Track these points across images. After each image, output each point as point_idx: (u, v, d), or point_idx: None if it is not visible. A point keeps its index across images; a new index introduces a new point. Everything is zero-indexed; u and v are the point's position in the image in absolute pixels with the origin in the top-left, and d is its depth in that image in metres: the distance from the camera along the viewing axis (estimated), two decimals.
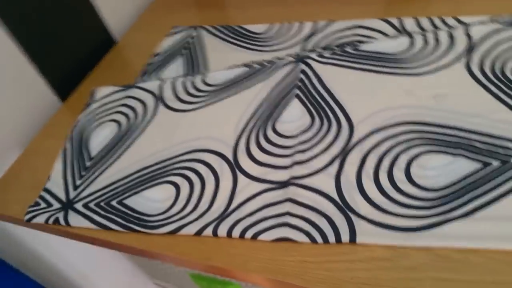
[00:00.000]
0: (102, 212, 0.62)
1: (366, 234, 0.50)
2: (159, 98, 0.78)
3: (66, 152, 0.73)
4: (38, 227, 0.66)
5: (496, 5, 0.74)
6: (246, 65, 0.79)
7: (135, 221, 0.60)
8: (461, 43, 0.70)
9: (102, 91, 0.83)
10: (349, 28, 0.80)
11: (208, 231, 0.56)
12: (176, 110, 0.75)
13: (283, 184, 0.58)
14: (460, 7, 0.77)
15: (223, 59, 0.82)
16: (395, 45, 0.73)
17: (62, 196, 0.67)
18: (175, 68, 0.85)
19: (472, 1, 0.77)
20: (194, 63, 0.84)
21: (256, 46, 0.84)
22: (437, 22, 0.75)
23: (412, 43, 0.72)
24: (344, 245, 0.51)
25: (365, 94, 0.66)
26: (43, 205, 0.66)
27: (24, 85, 0.81)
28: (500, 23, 0.70)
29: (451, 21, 0.74)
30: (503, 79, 0.63)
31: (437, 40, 0.71)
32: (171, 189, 0.62)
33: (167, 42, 0.92)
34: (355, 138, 0.61)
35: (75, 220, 0.63)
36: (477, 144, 0.56)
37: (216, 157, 0.65)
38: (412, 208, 0.51)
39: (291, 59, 0.76)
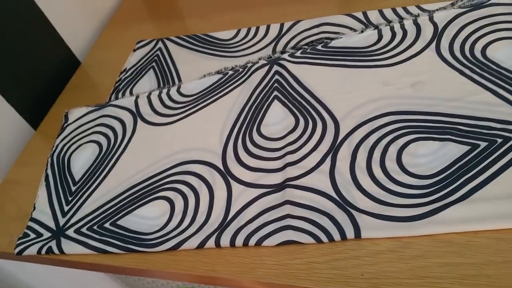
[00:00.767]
0: (97, 236, 0.61)
1: (370, 228, 0.51)
2: (136, 114, 0.76)
3: (48, 178, 0.71)
4: (29, 258, 0.64)
5: None
6: (219, 72, 0.78)
7: (133, 241, 0.59)
8: (428, 30, 0.71)
9: (76, 112, 0.81)
10: (316, 26, 0.81)
11: (211, 243, 0.55)
12: (156, 124, 0.74)
13: (278, 187, 0.58)
14: None
15: (194, 69, 0.82)
16: (364, 38, 0.74)
17: (51, 224, 0.65)
18: (147, 82, 0.83)
19: None
20: (166, 75, 0.83)
21: (226, 53, 0.83)
22: (401, 12, 0.76)
23: (380, 35, 0.73)
24: (349, 242, 0.51)
25: (343, 89, 0.67)
26: (32, 235, 0.64)
27: None
28: (461, 7, 0.72)
29: (414, 9, 0.76)
30: (474, 60, 0.64)
31: (404, 29, 0.73)
32: (165, 205, 0.62)
33: (134, 57, 0.91)
34: (342, 134, 0.61)
35: (69, 247, 0.61)
36: (462, 127, 0.57)
37: (206, 167, 0.64)
38: (410, 197, 0.52)
39: (264, 61, 0.76)
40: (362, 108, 0.63)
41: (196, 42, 0.88)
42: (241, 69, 0.76)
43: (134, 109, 0.77)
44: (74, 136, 0.77)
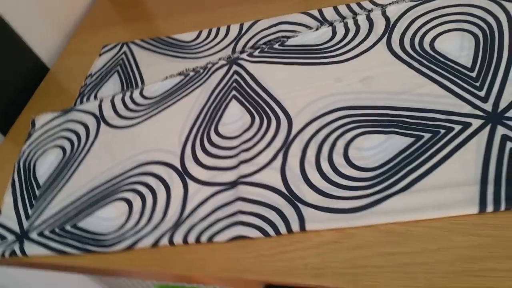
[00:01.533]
0: (57, 238, 0.63)
1: (314, 220, 0.53)
2: (100, 118, 0.78)
3: (15, 184, 0.73)
4: None
5: None
6: (181, 73, 0.80)
7: (91, 242, 0.60)
8: (380, 24, 0.72)
9: (42, 118, 0.83)
10: (274, 25, 0.82)
11: (164, 241, 0.57)
12: (118, 127, 0.75)
13: (232, 185, 0.60)
14: None
15: (157, 71, 0.83)
16: (319, 36, 0.75)
17: (15, 228, 0.67)
18: (112, 86, 0.85)
19: None
20: (130, 78, 0.84)
21: (188, 54, 0.85)
22: (355, 7, 0.78)
23: (334, 32, 0.75)
24: (295, 234, 0.53)
25: (297, 86, 0.68)
26: None
27: None
28: (412, 0, 0.73)
29: (368, 4, 0.77)
30: (422, 53, 0.65)
31: (357, 25, 0.74)
32: (123, 206, 0.63)
33: (100, 62, 0.92)
34: (294, 131, 0.63)
35: (31, 249, 0.63)
36: (408, 120, 0.58)
37: (164, 168, 0.66)
38: (354, 189, 0.54)
39: (223, 62, 0.77)
40: (314, 105, 0.65)
41: (159, 45, 0.89)
42: (201, 70, 0.78)
43: (98, 113, 0.79)
44: (40, 142, 0.78)
